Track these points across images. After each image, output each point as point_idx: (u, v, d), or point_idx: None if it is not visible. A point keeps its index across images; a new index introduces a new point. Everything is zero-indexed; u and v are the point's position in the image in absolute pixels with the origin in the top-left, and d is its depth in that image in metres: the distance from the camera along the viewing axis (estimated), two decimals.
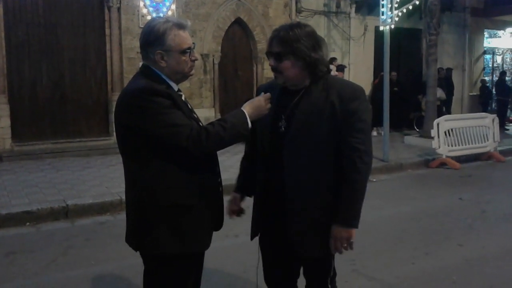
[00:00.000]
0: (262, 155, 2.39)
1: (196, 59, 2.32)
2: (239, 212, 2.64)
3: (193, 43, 2.27)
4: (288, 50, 2.14)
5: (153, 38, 2.17)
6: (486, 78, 17.15)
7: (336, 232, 2.23)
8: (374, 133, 12.77)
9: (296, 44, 2.13)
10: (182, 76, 2.28)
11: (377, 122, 12.53)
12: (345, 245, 2.26)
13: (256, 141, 2.43)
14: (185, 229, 2.19)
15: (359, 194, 2.22)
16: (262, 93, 2.28)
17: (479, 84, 16.30)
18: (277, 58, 2.19)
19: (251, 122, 2.20)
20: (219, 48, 11.28)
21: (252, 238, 2.53)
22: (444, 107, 13.25)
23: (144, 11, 10.23)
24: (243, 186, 2.61)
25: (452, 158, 9.13)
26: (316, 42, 2.19)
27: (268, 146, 2.33)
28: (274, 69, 2.24)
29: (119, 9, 10.03)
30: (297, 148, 2.23)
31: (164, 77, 2.21)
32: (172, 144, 2.09)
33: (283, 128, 2.27)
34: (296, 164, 2.24)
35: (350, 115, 2.15)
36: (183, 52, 2.21)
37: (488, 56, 17.77)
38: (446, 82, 13.86)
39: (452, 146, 9.30)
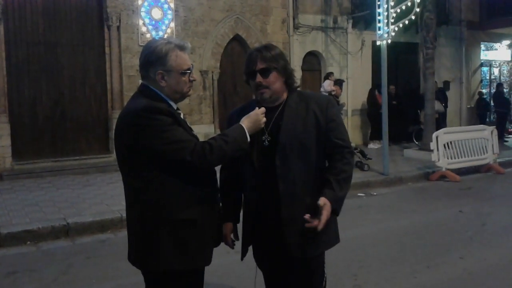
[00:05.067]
0: (250, 170, 2.44)
1: (195, 80, 2.39)
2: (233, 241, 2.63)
3: (192, 64, 2.33)
4: (272, 66, 2.37)
5: (154, 58, 2.23)
6: (484, 91, 17.25)
7: (328, 206, 2.26)
8: (375, 146, 12.80)
9: (277, 59, 2.39)
10: (181, 96, 2.34)
11: (377, 135, 12.61)
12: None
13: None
14: (188, 245, 2.21)
15: (348, 183, 2.40)
16: (257, 108, 2.39)
17: (476, 97, 16.40)
18: (264, 74, 2.36)
19: (249, 135, 2.30)
20: (218, 64, 11.40)
21: (242, 258, 2.58)
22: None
23: (144, 29, 10.34)
24: (234, 214, 2.60)
25: (452, 170, 9.14)
26: (286, 59, 2.48)
27: (256, 160, 2.41)
28: (260, 85, 2.38)
29: (118, 27, 10.14)
30: (288, 157, 2.35)
31: (163, 96, 2.27)
32: (177, 160, 2.14)
33: (267, 142, 2.41)
34: (289, 172, 2.35)
35: (330, 121, 2.40)
36: (183, 73, 2.27)
37: (485, 69, 17.90)
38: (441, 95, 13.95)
39: (451, 158, 9.32)
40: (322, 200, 2.26)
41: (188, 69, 2.28)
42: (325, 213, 2.24)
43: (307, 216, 2.24)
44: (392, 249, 5.16)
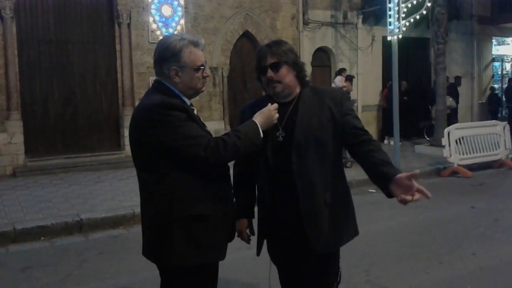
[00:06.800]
0: (265, 166, 2.44)
1: (208, 76, 2.40)
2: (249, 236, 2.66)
3: (205, 60, 2.34)
4: (282, 60, 2.37)
5: (169, 54, 2.24)
6: (496, 86, 17.08)
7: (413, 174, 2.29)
8: (391, 142, 12.71)
9: (287, 54, 2.39)
10: (195, 92, 2.36)
11: (387, 131, 12.55)
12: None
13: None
14: (202, 240, 2.23)
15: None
16: (269, 104, 2.38)
17: (488, 92, 16.25)
18: (274, 68, 2.36)
19: (262, 131, 2.31)
20: (228, 61, 11.41)
21: (258, 253, 2.57)
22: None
23: (154, 26, 10.38)
24: (248, 210, 2.62)
25: (464, 166, 9.08)
26: (296, 53, 2.48)
27: (271, 156, 2.40)
28: (271, 80, 2.37)
29: (129, 25, 10.19)
30: (304, 153, 2.34)
31: (177, 92, 2.28)
32: (191, 156, 2.15)
33: (281, 138, 2.40)
34: (306, 167, 2.34)
35: (346, 114, 2.41)
36: (197, 69, 2.29)
37: (497, 64, 17.72)
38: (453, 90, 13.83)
39: (463, 154, 9.25)
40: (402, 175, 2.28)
41: (202, 65, 2.29)
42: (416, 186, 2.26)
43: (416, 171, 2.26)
44: (403, 245, 5.15)
